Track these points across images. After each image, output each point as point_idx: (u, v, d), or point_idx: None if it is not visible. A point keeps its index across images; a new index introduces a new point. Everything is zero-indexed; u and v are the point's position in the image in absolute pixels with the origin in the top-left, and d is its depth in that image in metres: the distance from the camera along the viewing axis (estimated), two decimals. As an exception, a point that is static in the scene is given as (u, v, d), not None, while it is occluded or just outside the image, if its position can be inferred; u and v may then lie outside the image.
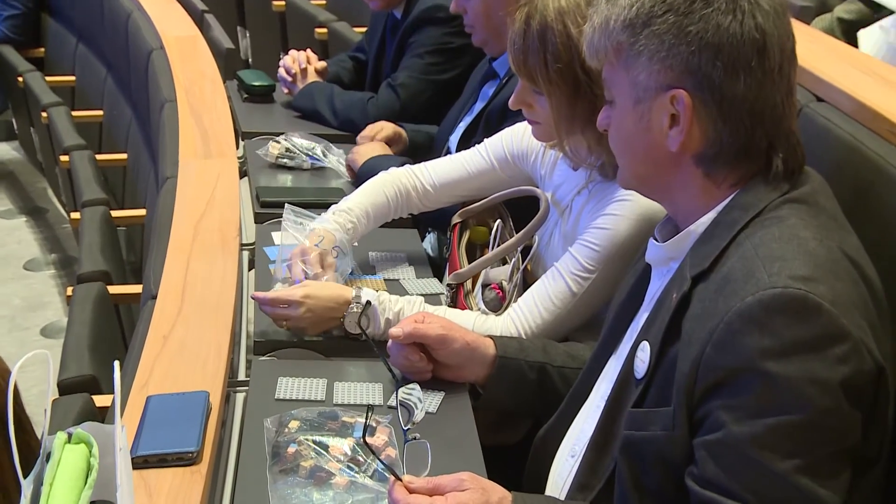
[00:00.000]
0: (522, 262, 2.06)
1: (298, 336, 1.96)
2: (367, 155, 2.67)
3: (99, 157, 3.98)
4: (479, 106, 2.67)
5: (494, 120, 2.52)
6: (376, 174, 2.33)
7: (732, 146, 1.35)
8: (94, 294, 2.60)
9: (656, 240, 1.48)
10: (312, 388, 1.79)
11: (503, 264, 2.11)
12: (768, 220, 1.32)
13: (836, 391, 1.20)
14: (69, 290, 2.73)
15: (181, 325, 1.91)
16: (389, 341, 1.79)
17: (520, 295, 1.98)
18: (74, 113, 4.46)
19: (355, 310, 1.91)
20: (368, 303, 1.90)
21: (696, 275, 1.33)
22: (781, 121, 1.36)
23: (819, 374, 1.20)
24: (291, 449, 1.59)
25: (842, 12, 3.86)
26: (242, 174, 2.79)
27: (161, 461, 1.53)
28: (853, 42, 3.60)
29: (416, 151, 2.81)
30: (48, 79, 4.91)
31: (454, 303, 2.08)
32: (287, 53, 3.35)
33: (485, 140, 2.27)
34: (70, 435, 1.25)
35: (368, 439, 1.61)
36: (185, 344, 1.85)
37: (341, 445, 1.60)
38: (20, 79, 4.96)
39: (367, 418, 1.55)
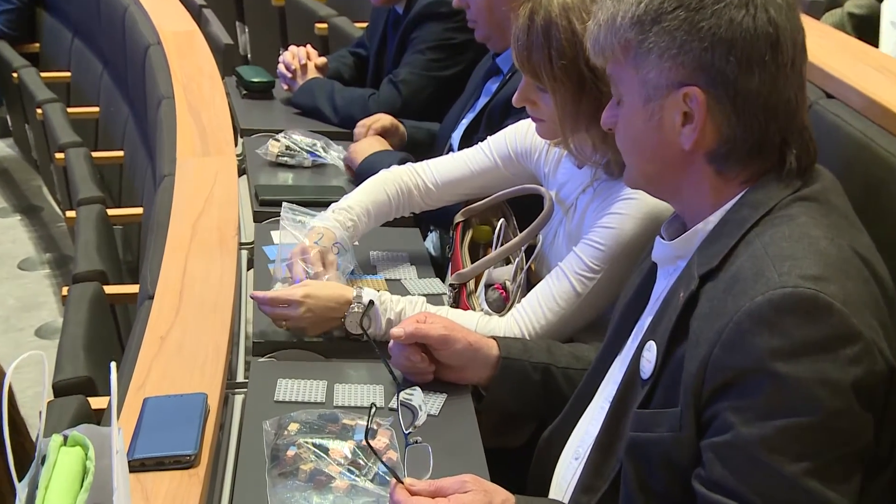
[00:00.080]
0: (526, 262, 2.06)
1: (298, 337, 1.96)
2: (365, 152, 2.68)
3: (95, 154, 3.99)
4: (481, 102, 2.67)
5: (497, 116, 2.52)
6: (375, 171, 2.33)
7: (746, 143, 1.35)
8: (90, 294, 2.61)
9: (663, 238, 1.48)
10: (312, 389, 1.79)
11: (506, 264, 2.11)
12: (778, 218, 1.32)
13: (847, 392, 1.20)
14: (64, 290, 2.73)
15: (179, 326, 1.91)
16: (391, 342, 1.79)
17: (523, 295, 1.98)
18: (70, 109, 4.47)
19: (356, 310, 1.91)
20: (371, 302, 1.90)
21: (704, 273, 1.33)
22: (795, 116, 1.36)
23: (830, 376, 1.20)
24: (291, 452, 1.59)
25: (852, 7, 3.85)
26: (241, 172, 2.79)
27: (158, 464, 1.53)
28: (864, 37, 3.59)
29: (416, 149, 2.81)
30: (43, 75, 4.92)
31: (456, 303, 2.07)
32: (287, 49, 3.35)
33: (488, 138, 2.27)
34: (66, 437, 1.26)
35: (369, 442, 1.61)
36: (183, 345, 1.85)
37: (342, 448, 1.60)
38: (15, 75, 4.97)
39: (369, 418, 1.56)
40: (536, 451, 1.69)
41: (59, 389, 2.18)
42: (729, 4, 1.32)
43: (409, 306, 1.94)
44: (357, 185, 2.32)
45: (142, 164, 3.66)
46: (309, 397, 1.77)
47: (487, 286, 2.05)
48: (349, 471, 1.56)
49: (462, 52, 3.05)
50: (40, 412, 1.32)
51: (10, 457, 1.07)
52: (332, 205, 2.18)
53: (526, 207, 2.16)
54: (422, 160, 2.36)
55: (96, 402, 2.13)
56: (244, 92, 3.33)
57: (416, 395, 1.75)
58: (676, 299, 1.35)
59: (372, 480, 1.55)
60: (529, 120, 2.05)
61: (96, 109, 4.61)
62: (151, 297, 2.02)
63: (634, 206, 1.86)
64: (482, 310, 2.00)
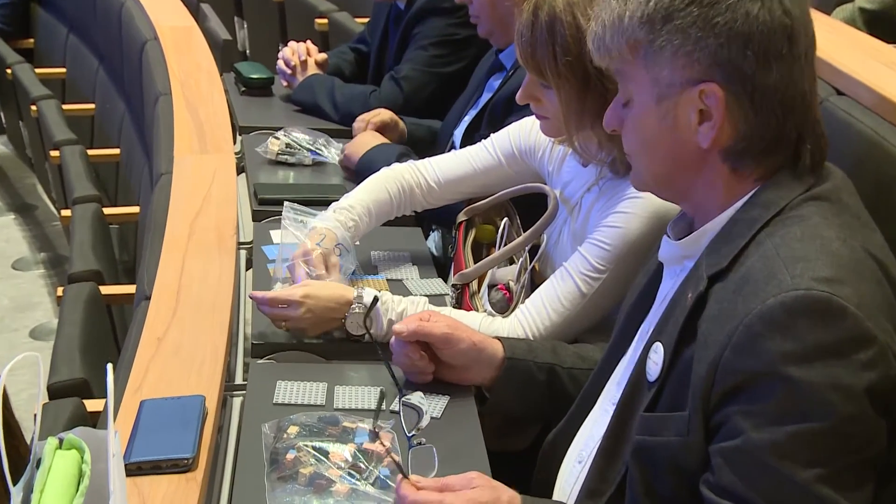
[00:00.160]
0: (530, 262, 2.06)
1: (298, 338, 1.96)
2: (363, 147, 2.68)
3: (91, 152, 4.00)
4: (484, 99, 2.67)
5: (499, 113, 2.52)
6: (374, 167, 2.33)
7: (763, 139, 1.34)
8: (86, 294, 2.61)
9: (669, 237, 1.48)
10: (312, 392, 1.79)
11: (510, 264, 2.11)
12: (790, 218, 1.32)
13: (860, 398, 1.20)
14: (59, 291, 2.74)
15: (176, 327, 1.91)
16: (392, 339, 1.79)
17: (527, 296, 1.98)
18: (65, 106, 4.48)
19: (357, 310, 1.91)
20: (376, 299, 1.90)
21: (713, 274, 1.32)
22: (809, 109, 1.36)
23: (843, 380, 1.19)
24: (290, 455, 1.59)
25: (864, 2, 3.84)
26: (240, 170, 2.79)
27: (155, 468, 1.53)
28: (875, 33, 3.58)
29: (417, 146, 2.81)
30: (38, 71, 4.93)
31: (459, 304, 2.08)
32: (286, 45, 3.35)
33: (491, 135, 2.27)
34: (61, 440, 1.26)
35: (369, 446, 1.62)
36: (181, 346, 1.85)
37: (342, 452, 1.60)
38: (9, 71, 4.98)
39: (379, 405, 1.54)
40: (541, 454, 1.69)
41: (55, 392, 2.19)
42: None
43: (411, 307, 1.94)
44: (356, 183, 2.32)
45: (138, 161, 3.67)
46: (309, 399, 1.77)
47: (491, 287, 2.05)
48: (349, 474, 1.56)
49: (465, 48, 3.06)
50: (35, 415, 1.32)
51: (4, 460, 1.08)
52: (333, 204, 2.18)
53: (530, 206, 2.16)
54: (423, 158, 2.37)
55: (92, 405, 2.13)
56: (243, 88, 3.33)
57: (415, 397, 1.75)
58: (684, 300, 1.35)
59: (373, 484, 1.55)
60: (533, 117, 2.05)
61: (92, 106, 4.61)
62: (148, 298, 2.03)
63: (640, 204, 1.86)
64: (485, 311, 2.00)
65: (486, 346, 1.78)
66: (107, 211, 3.41)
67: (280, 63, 3.29)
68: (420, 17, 3.11)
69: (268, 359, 1.94)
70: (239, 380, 2.00)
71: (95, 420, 2.06)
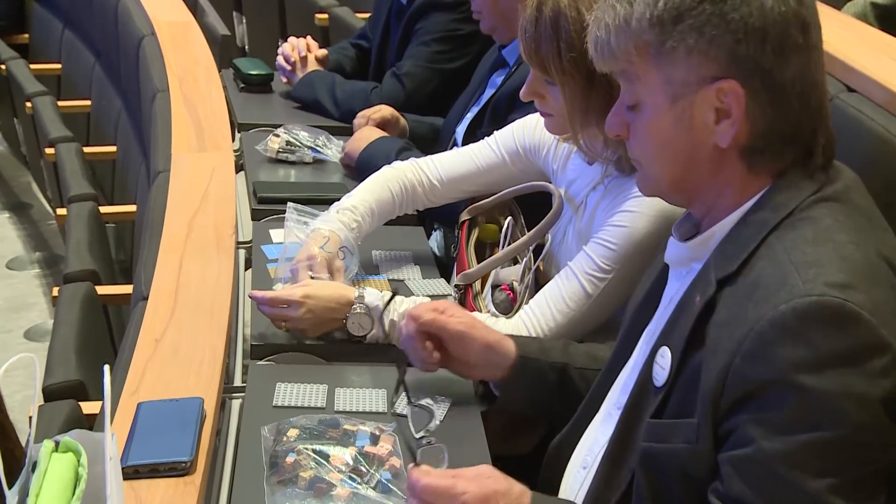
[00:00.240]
0: (534, 262, 2.06)
1: (298, 339, 1.97)
2: (363, 142, 2.68)
3: (86, 149, 4.00)
4: (487, 95, 2.67)
5: (501, 109, 2.53)
6: (375, 162, 2.32)
7: (780, 134, 1.33)
8: (82, 295, 2.61)
9: (674, 238, 1.48)
10: (312, 394, 1.79)
11: (514, 264, 2.11)
12: (801, 220, 1.31)
13: (875, 406, 1.19)
14: (55, 291, 2.74)
15: (174, 328, 1.91)
16: (403, 320, 1.78)
17: (531, 296, 1.98)
18: (60, 103, 4.48)
19: (359, 310, 1.91)
20: (395, 293, 1.89)
21: (722, 278, 1.32)
22: (822, 102, 1.36)
23: (857, 389, 1.19)
24: (290, 459, 1.59)
25: (876, -4, 3.84)
26: (239, 168, 2.80)
27: (152, 471, 1.54)
28: (888, 29, 3.58)
29: (419, 144, 2.81)
30: (33, 66, 4.93)
31: (462, 304, 2.07)
32: (286, 40, 3.35)
33: (495, 132, 2.27)
34: (57, 443, 1.27)
35: (371, 449, 1.62)
36: (179, 347, 1.86)
37: (343, 455, 1.60)
38: (3, 66, 4.98)
39: (400, 377, 1.51)
40: (546, 458, 1.69)
41: (50, 393, 2.19)
42: None
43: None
44: (357, 180, 2.32)
45: (135, 159, 3.67)
46: (309, 402, 1.77)
47: (494, 287, 2.05)
48: (350, 478, 1.57)
49: (468, 43, 3.06)
50: (30, 417, 1.32)
51: (-1, 463, 1.08)
52: (335, 204, 2.18)
53: (534, 205, 2.16)
54: (425, 155, 2.37)
55: (88, 407, 2.14)
56: (242, 85, 3.33)
57: (426, 402, 1.75)
58: (692, 304, 1.34)
59: (374, 488, 1.56)
60: (538, 114, 2.05)
61: (88, 103, 4.62)
62: (145, 298, 2.03)
63: (647, 203, 1.86)
64: (489, 311, 2.00)
65: (500, 348, 1.76)
66: (103, 210, 3.42)
67: (280, 59, 3.29)
68: (422, 12, 3.11)
69: (267, 360, 1.94)
70: (238, 382, 2.00)
71: (92, 423, 2.06)
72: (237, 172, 2.74)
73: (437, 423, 1.71)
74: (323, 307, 1.92)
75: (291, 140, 2.79)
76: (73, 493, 1.20)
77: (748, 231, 1.34)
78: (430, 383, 1.81)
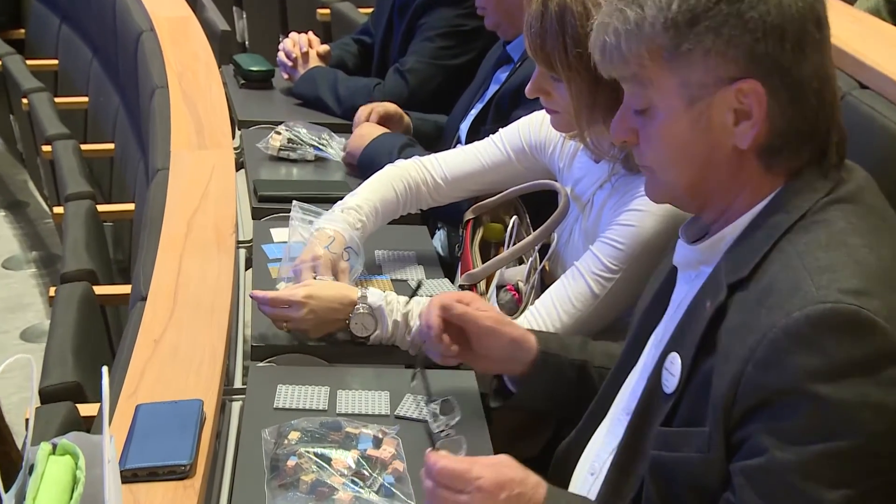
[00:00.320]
0: (540, 262, 2.06)
1: (299, 340, 1.97)
2: (365, 139, 2.68)
3: (84, 147, 4.00)
4: (491, 92, 2.68)
5: (505, 106, 2.53)
6: (377, 159, 2.32)
7: (799, 132, 1.33)
8: (79, 295, 2.61)
9: (682, 240, 1.47)
10: (314, 396, 1.80)
11: (519, 264, 2.11)
12: (814, 223, 1.30)
13: (891, 415, 1.19)
14: (52, 291, 2.74)
15: (173, 329, 1.91)
16: (425, 309, 1.76)
17: (537, 297, 1.98)
18: (57, 99, 4.48)
19: (362, 311, 1.92)
20: (417, 290, 1.88)
21: (733, 283, 1.31)
22: (835, 98, 1.36)
23: (873, 398, 1.19)
24: (291, 462, 1.59)
25: (890, -9, 3.84)
26: (239, 166, 2.80)
27: (151, 475, 1.54)
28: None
29: (422, 142, 2.81)
30: (29, 62, 4.93)
31: (466, 305, 2.08)
32: (287, 36, 3.36)
33: (500, 130, 2.27)
34: (54, 446, 1.26)
35: (373, 452, 1.62)
36: (178, 349, 1.86)
37: (345, 458, 1.60)
38: (-1, 62, 4.99)
39: (420, 370, 1.53)
40: (553, 462, 1.69)
41: (47, 395, 2.19)
42: None
43: (417, 307, 1.94)
44: (360, 178, 2.32)
45: (134, 157, 3.67)
46: (310, 404, 1.78)
47: (499, 287, 2.06)
48: (353, 482, 1.57)
49: (473, 39, 3.06)
50: (27, 419, 1.32)
51: (-4, 466, 1.08)
52: (339, 203, 2.18)
53: (540, 204, 2.16)
54: (429, 153, 2.37)
55: (86, 409, 2.14)
56: (242, 81, 3.34)
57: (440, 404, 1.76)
58: (702, 309, 1.34)
59: (377, 492, 1.56)
60: (544, 111, 2.05)
61: (85, 99, 4.62)
62: (144, 298, 2.03)
63: (655, 202, 1.85)
64: (493, 312, 2.00)
65: (524, 343, 1.75)
66: (101, 208, 3.42)
67: (281, 55, 3.30)
68: (426, 7, 3.11)
69: (268, 362, 1.94)
70: (238, 383, 2.01)
71: (89, 425, 2.06)
72: (237, 170, 2.74)
73: (458, 418, 1.71)
74: (325, 307, 1.92)
75: (293, 137, 2.79)
76: (71, 497, 1.20)
77: (760, 234, 1.33)
78: (432, 384, 1.81)
